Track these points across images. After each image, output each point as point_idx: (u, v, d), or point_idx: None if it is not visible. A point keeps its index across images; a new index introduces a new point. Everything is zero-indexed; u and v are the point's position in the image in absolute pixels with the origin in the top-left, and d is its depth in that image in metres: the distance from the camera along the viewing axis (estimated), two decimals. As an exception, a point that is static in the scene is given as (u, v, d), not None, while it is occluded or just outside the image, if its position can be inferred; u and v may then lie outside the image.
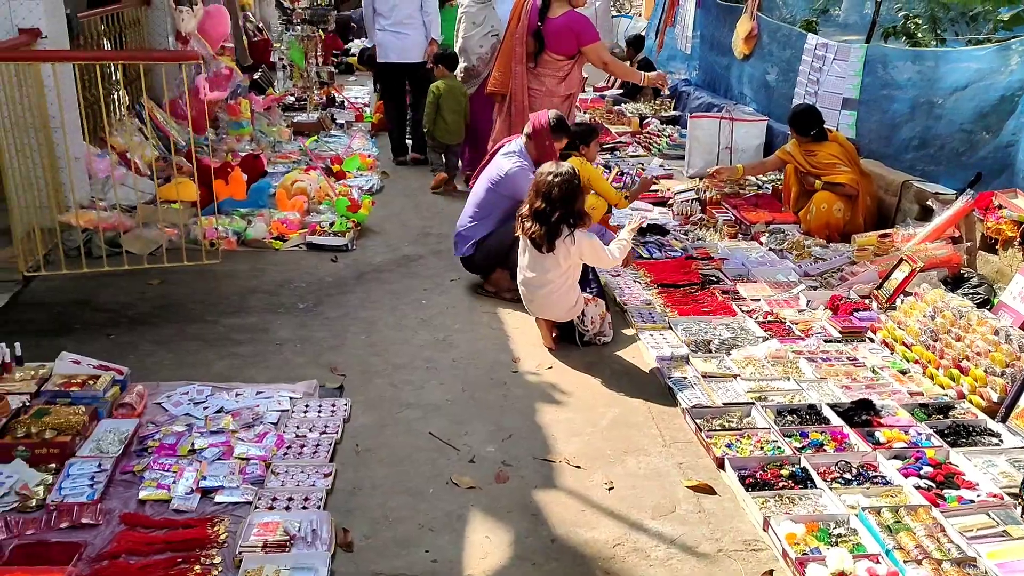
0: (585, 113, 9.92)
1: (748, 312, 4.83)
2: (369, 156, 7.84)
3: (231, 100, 7.25)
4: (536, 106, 5.98)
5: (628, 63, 10.81)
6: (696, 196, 6.88)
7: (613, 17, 16.03)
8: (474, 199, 5.06)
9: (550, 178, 4.17)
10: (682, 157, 8.36)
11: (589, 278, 4.63)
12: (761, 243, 5.94)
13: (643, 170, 7.77)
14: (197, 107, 5.98)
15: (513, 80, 6.02)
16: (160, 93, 7.28)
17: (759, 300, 4.98)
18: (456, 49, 7.37)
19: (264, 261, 5.51)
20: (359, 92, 11.58)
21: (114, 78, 7.12)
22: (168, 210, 5.66)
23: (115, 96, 7.19)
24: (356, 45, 15.07)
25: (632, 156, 8.55)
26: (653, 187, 7.37)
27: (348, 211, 6.12)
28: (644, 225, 6.11)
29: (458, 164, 7.59)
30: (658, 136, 8.91)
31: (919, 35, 8.68)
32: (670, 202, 6.97)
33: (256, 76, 10.78)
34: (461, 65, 7.32)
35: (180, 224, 5.70)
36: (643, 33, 14.93)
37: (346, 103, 9.81)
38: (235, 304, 4.80)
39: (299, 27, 8.73)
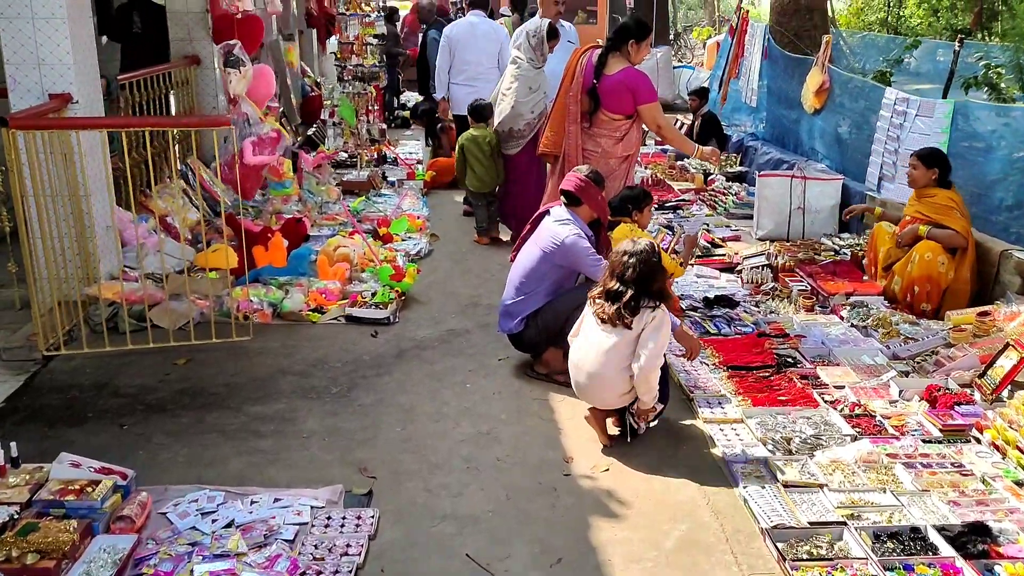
0: (646, 168, 9.48)
1: (832, 403, 4.27)
2: (419, 217, 7.49)
3: (275, 161, 7.00)
4: (591, 169, 5.57)
5: (692, 115, 10.39)
6: (767, 262, 6.35)
7: (675, 68, 15.66)
8: (522, 269, 4.62)
9: (625, 258, 3.75)
10: (750, 217, 7.84)
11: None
12: (842, 318, 5.38)
13: (682, 227, 7.26)
14: (243, 171, 5.70)
15: (567, 140, 5.62)
16: (209, 154, 7.08)
17: (844, 388, 4.43)
18: (501, 112, 6.90)
19: (299, 336, 5.14)
20: (414, 148, 11.34)
21: (163, 138, 6.94)
22: (201, 280, 5.35)
23: (165, 156, 7.00)
24: (410, 99, 14.93)
25: (695, 216, 8.05)
26: (720, 251, 6.87)
27: (392, 280, 5.74)
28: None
29: (495, 212, 7.32)
30: (724, 194, 8.41)
31: (1003, 86, 8.09)
32: (738, 268, 6.45)
33: (311, 132, 10.62)
34: (503, 126, 6.89)
35: (213, 295, 5.39)
36: (707, 84, 14.51)
37: (398, 160, 9.54)
38: (262, 387, 4.42)
39: (350, 84, 8.50)
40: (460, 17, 13.15)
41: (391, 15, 14.11)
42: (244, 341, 4.89)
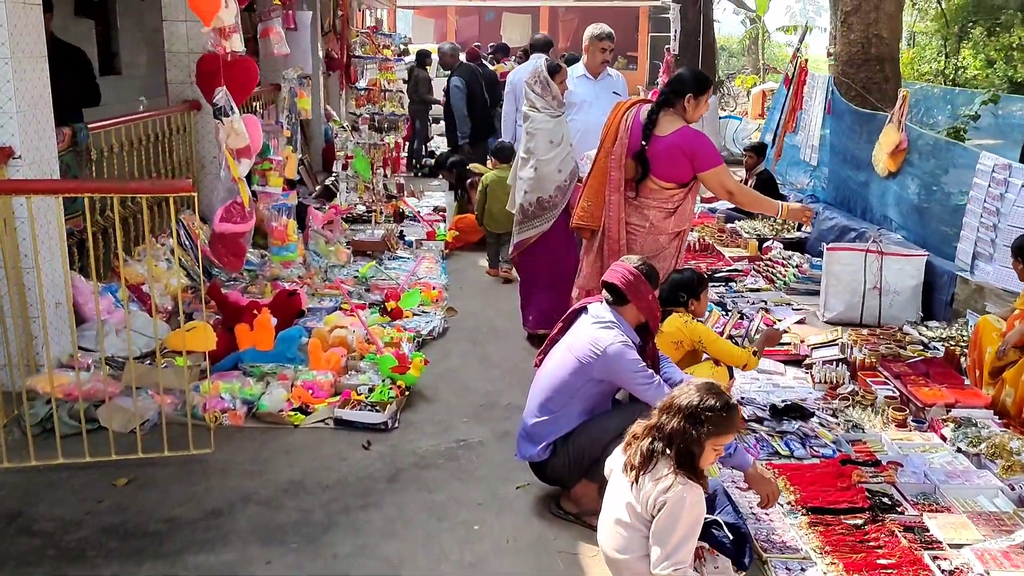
0: (692, 231, 8.51)
1: (951, 574, 3.24)
2: (435, 287, 6.58)
3: (275, 223, 6.14)
4: (635, 246, 4.64)
5: (747, 172, 9.43)
6: (841, 355, 5.34)
7: (721, 118, 14.74)
8: (550, 382, 3.65)
9: (695, 400, 2.79)
10: (814, 294, 6.85)
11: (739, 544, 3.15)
12: (943, 438, 4.35)
13: (769, 314, 6.27)
14: (215, 239, 4.84)
15: (607, 212, 4.68)
16: (210, 209, 6.25)
17: (962, 548, 3.40)
18: (523, 189, 5.63)
19: (274, 446, 4.21)
20: (440, 198, 10.49)
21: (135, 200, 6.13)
22: (165, 370, 4.47)
23: (154, 211, 6.20)
24: (440, 146, 14.15)
25: (752, 290, 7.06)
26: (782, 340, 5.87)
27: (394, 372, 4.82)
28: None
29: (506, 251, 6.68)
30: (783, 265, 7.41)
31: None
32: (806, 361, 5.45)
33: (329, 180, 9.84)
34: (528, 199, 5.57)
35: (180, 388, 4.51)
36: (753, 136, 13.61)
37: (417, 217, 8.66)
38: (214, 525, 3.49)
39: (365, 134, 7.68)
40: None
41: (422, 59, 13.41)
42: (204, 454, 3.98)
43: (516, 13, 30.35)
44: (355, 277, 6.75)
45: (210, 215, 5.06)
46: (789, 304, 6.74)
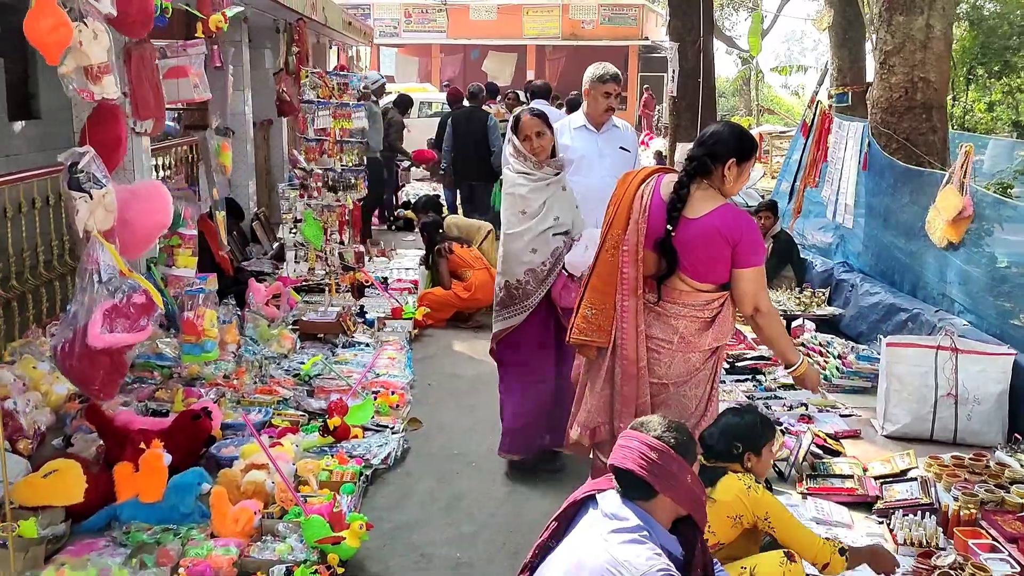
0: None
1: None
2: (395, 391, 5.25)
3: (187, 312, 4.81)
4: (659, 368, 3.36)
5: (763, 236, 8.14)
6: (927, 501, 4.02)
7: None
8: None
9: None
10: (862, 391, 5.59)
11: None
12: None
13: (815, 425, 4.96)
14: (88, 357, 3.48)
15: (619, 323, 3.37)
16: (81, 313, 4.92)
17: None
18: (499, 261, 4.41)
19: None
20: (415, 257, 9.19)
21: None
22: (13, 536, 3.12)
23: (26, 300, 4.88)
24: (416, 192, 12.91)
25: (784, 386, 5.73)
26: (836, 459, 4.56)
27: (322, 543, 3.47)
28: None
29: None
30: (821, 354, 6.09)
31: None
32: (879, 505, 4.12)
33: (280, 239, 8.55)
34: (499, 279, 4.36)
35: (15, 571, 3.16)
36: (759, 184, 12.49)
37: (383, 292, 7.32)
38: None
39: (315, 195, 6.38)
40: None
41: (403, 105, 12.23)
42: None
43: (502, 52, 29.36)
44: (296, 377, 5.41)
45: (76, 321, 3.69)
46: (834, 408, 5.44)
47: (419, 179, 16.29)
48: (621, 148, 5.19)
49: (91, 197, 3.55)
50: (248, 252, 9.26)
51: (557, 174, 4.36)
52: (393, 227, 11.55)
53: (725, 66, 34.64)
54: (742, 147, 3.34)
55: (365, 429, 4.79)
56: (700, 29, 13.01)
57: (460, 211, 10.14)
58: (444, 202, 11.27)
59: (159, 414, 4.68)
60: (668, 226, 3.27)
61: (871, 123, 7.19)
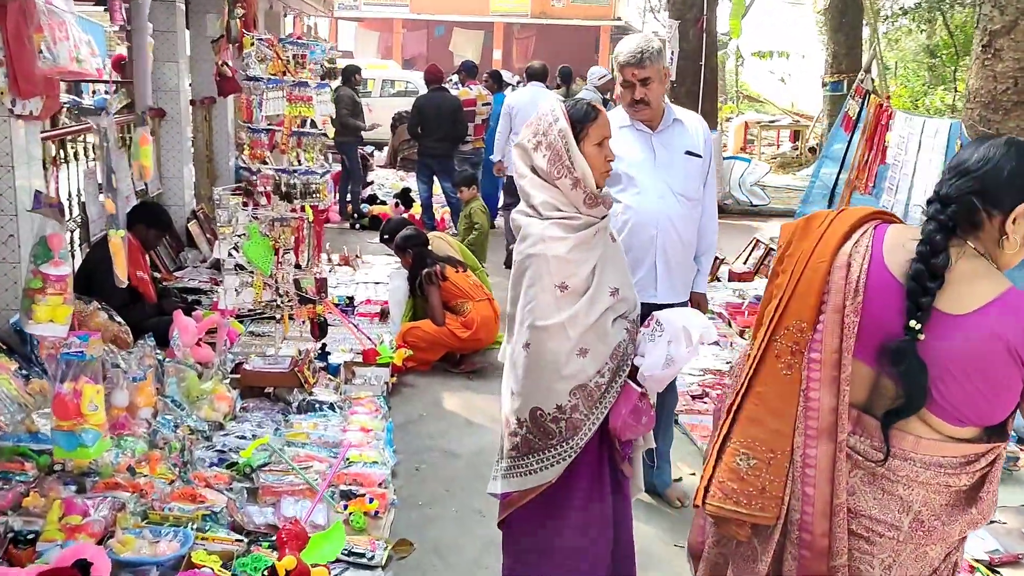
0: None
1: None
2: (372, 498, 3.68)
3: (60, 387, 3.20)
4: (870, 568, 1.87)
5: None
6: None
7: (726, 159, 12.13)
8: None
9: None
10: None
11: None
12: None
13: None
14: None
15: (800, 486, 1.88)
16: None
17: None
18: (508, 366, 2.64)
19: None
20: (385, 268, 7.65)
21: None
22: None
23: None
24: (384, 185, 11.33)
25: None
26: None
27: None
28: None
29: None
30: None
31: None
32: None
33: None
34: (516, 403, 2.50)
35: None
36: (763, 181, 11.15)
37: (350, 328, 5.71)
38: None
39: (263, 203, 4.77)
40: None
41: (348, 77, 10.37)
42: None
43: (468, 29, 27.65)
44: (232, 471, 3.82)
45: None
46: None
47: (382, 165, 14.69)
48: (688, 153, 3.69)
49: None
50: (182, 259, 7.62)
51: (605, 214, 2.67)
52: (357, 226, 9.91)
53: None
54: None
55: (333, 563, 3.25)
56: (703, 5, 11.60)
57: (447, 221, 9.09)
58: (415, 198, 9.80)
59: (20, 543, 3.10)
60: (911, 322, 1.78)
61: (966, 120, 5.79)
